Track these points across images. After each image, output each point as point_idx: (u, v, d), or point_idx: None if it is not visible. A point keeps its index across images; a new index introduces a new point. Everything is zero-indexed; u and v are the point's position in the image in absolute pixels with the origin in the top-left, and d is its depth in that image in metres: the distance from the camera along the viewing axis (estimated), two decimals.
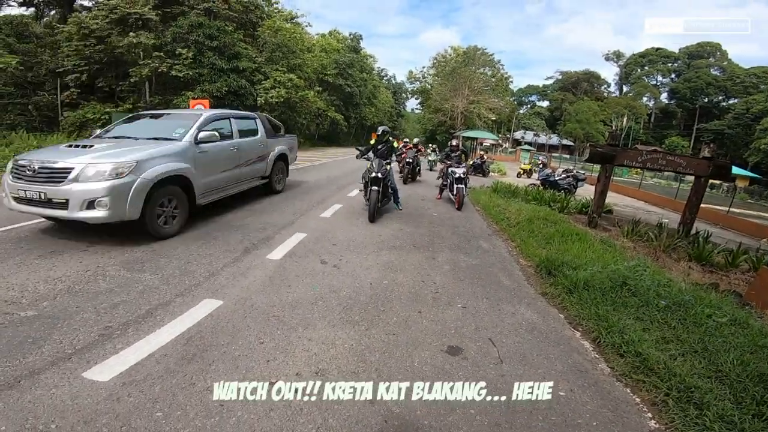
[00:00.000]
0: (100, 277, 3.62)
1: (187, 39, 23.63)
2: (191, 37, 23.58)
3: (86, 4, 25.96)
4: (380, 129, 7.49)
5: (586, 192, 14.15)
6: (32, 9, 27.67)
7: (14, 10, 27.02)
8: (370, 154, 7.24)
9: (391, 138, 7.57)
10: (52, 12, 27.57)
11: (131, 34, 21.88)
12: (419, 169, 14.06)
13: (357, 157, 7.38)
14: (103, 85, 24.01)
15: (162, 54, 23.10)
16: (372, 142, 7.29)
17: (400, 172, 13.26)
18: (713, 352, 2.91)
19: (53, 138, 16.36)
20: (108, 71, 23.77)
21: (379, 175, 6.62)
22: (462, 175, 8.70)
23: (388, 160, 6.98)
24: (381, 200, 6.89)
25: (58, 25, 23.01)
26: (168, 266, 3.99)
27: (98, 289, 3.39)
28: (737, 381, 2.58)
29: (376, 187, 6.59)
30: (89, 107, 22.46)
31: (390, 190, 7.33)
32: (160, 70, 23.00)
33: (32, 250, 4.19)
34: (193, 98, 21.07)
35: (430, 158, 21.16)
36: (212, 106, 21.33)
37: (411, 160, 12.88)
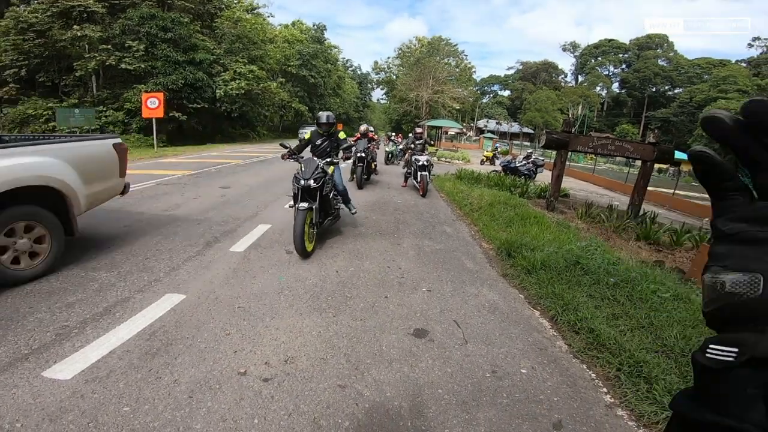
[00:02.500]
0: (51, 276, 3.45)
1: (138, 31, 22.32)
2: (143, 29, 22.29)
3: None
4: (323, 116, 5.37)
5: (545, 177, 14.70)
6: None
7: None
8: (306, 152, 5.26)
9: (334, 129, 5.47)
10: None
11: (75, 27, 20.48)
12: (375, 165, 11.58)
13: (284, 157, 5.00)
14: (45, 80, 22.42)
15: (110, 47, 21.78)
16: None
17: (351, 174, 10.04)
18: (659, 327, 3.06)
19: None
20: (50, 65, 22.19)
21: (312, 183, 4.38)
22: (425, 163, 8.85)
23: (329, 159, 4.96)
24: (319, 221, 4.71)
25: None
26: (125, 263, 3.85)
27: (51, 288, 3.24)
28: (681, 355, 2.72)
29: (305, 204, 4.25)
30: (30, 103, 20.98)
31: (334, 199, 5.25)
32: (108, 63, 21.70)
33: None
34: (146, 91, 20.07)
35: (387, 149, 17.34)
36: (168, 100, 20.47)
37: (363, 154, 9.49)
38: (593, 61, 68.18)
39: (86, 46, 21.22)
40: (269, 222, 5.63)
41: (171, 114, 21.99)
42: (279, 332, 2.80)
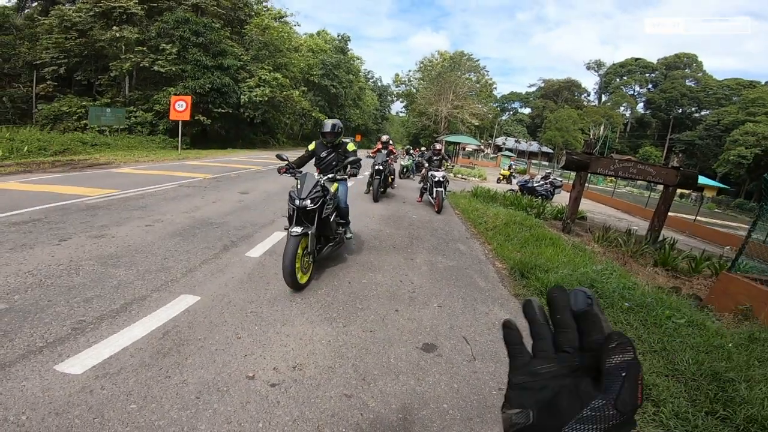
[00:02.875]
0: (73, 271, 3.58)
1: (172, 34, 23.24)
2: (177, 32, 23.20)
3: None
4: (327, 125, 4.55)
5: (562, 199, 14.54)
6: (14, 0, 26.75)
7: None
8: (308, 167, 4.48)
9: (345, 140, 4.74)
10: (34, 4, 26.67)
11: (114, 27, 21.43)
12: (393, 179, 11.34)
13: (280, 171, 4.23)
14: (82, 79, 23.41)
15: (145, 49, 22.66)
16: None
17: (368, 187, 10.24)
18: (671, 352, 3.04)
19: (26, 130, 15.80)
20: (87, 65, 23.18)
21: (308, 203, 3.69)
22: (441, 179, 8.88)
23: (332, 174, 4.40)
24: (317, 247, 4.06)
25: (40, 18, 22.33)
26: (144, 262, 3.97)
27: (71, 283, 3.35)
28: (692, 379, 2.72)
29: (299, 229, 3.59)
30: (65, 100, 21.86)
31: (338, 223, 4.59)
32: (141, 65, 22.55)
33: (2, 243, 4.09)
34: (175, 94, 20.73)
35: (403, 162, 17.03)
36: (194, 103, 21.12)
37: (381, 167, 9.61)
38: (618, 80, 67.28)
39: (123, 47, 22.13)
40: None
41: (196, 117, 22.66)
42: (289, 339, 2.85)
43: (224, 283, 3.67)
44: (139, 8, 22.58)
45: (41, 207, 5.71)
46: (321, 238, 4.17)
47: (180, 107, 18.80)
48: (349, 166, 4.44)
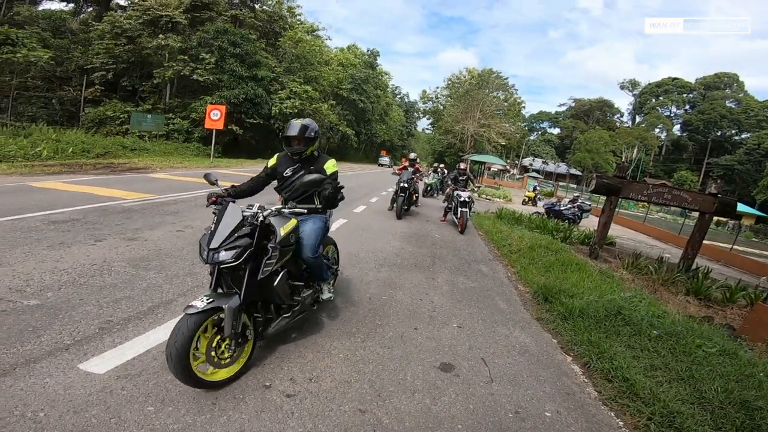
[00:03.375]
0: (105, 271, 3.73)
1: (211, 44, 24.35)
2: (216, 42, 24.29)
3: (122, 3, 26.90)
4: (294, 126, 2.94)
5: (590, 223, 14.18)
6: (71, 5, 28.63)
7: (54, 5, 28.11)
8: (264, 195, 3.16)
9: (324, 156, 3.18)
10: (89, 9, 28.50)
11: (160, 36, 22.62)
12: (417, 197, 10.99)
13: (209, 202, 2.66)
14: (127, 85, 24.71)
15: (186, 57, 23.78)
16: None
17: (391, 204, 10.17)
18: (699, 380, 2.99)
19: (72, 132, 16.78)
20: (133, 71, 24.49)
21: (223, 256, 2.22)
22: (467, 199, 8.84)
23: (290, 207, 2.76)
24: (262, 319, 2.62)
25: (94, 23, 23.84)
26: (173, 266, 4.11)
27: (103, 283, 3.48)
28: (719, 407, 2.67)
29: (202, 302, 2.16)
30: (110, 105, 23.08)
31: (291, 285, 2.85)
32: (182, 73, 23.64)
33: (41, 241, 4.31)
34: (211, 103, 21.59)
35: (428, 181, 16.55)
36: (228, 113, 21.93)
37: (406, 185, 9.36)
38: (654, 100, 65.29)
39: (167, 54, 23.30)
40: None
41: (229, 127, 23.44)
42: (307, 350, 2.87)
43: None
44: (183, 17, 23.83)
45: (81, 207, 6.03)
46: (268, 306, 2.70)
47: (215, 116, 19.55)
48: (321, 191, 2.99)
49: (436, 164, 18.96)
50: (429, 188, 16.41)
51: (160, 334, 2.78)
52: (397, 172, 10.62)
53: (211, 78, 24.08)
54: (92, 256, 4.06)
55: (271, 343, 2.88)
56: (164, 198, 7.68)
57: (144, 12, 22.89)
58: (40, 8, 27.15)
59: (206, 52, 24.13)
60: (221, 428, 2.01)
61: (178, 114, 24.44)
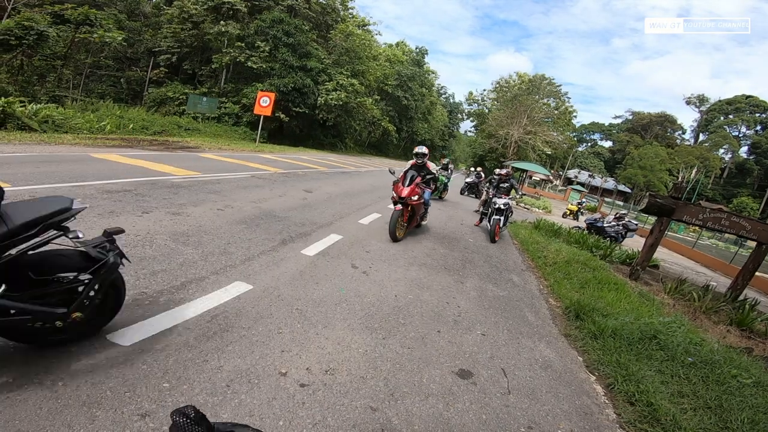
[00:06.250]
0: (147, 243, 3.89)
1: (267, 33, 25.14)
2: (271, 31, 25.05)
3: None
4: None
5: (634, 243, 13.39)
6: None
7: None
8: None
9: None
10: None
11: (221, 22, 23.64)
12: (425, 210, 7.09)
13: None
14: (188, 68, 26.08)
15: (243, 45, 24.71)
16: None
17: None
18: (727, 410, 2.92)
19: (134, 110, 17.92)
20: (195, 55, 25.81)
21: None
22: (502, 207, 8.56)
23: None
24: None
25: (165, 7, 25.25)
26: (209, 244, 4.26)
27: (144, 254, 3.63)
28: None
29: None
30: (171, 86, 24.48)
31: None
32: (238, 60, 24.59)
33: (94, 208, 4.55)
34: (261, 90, 22.32)
35: (468, 180, 17.76)
36: (277, 100, 22.60)
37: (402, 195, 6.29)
38: (722, 118, 60.09)
39: (226, 41, 24.34)
40: (341, 233, 5.89)
41: (276, 114, 24.16)
42: (327, 342, 2.90)
43: (277, 277, 3.84)
44: (243, 5, 24.76)
45: (133, 180, 6.42)
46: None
47: (264, 103, 20.20)
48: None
49: (474, 167, 18.80)
50: (466, 187, 16.83)
51: (189, 311, 2.85)
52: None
53: (264, 66, 24.88)
54: (137, 227, 4.26)
55: (293, 331, 2.93)
56: (209, 177, 8.03)
57: None
58: None
59: (261, 40, 24.95)
60: (231, 411, 2.03)
61: (230, 98, 25.49)
